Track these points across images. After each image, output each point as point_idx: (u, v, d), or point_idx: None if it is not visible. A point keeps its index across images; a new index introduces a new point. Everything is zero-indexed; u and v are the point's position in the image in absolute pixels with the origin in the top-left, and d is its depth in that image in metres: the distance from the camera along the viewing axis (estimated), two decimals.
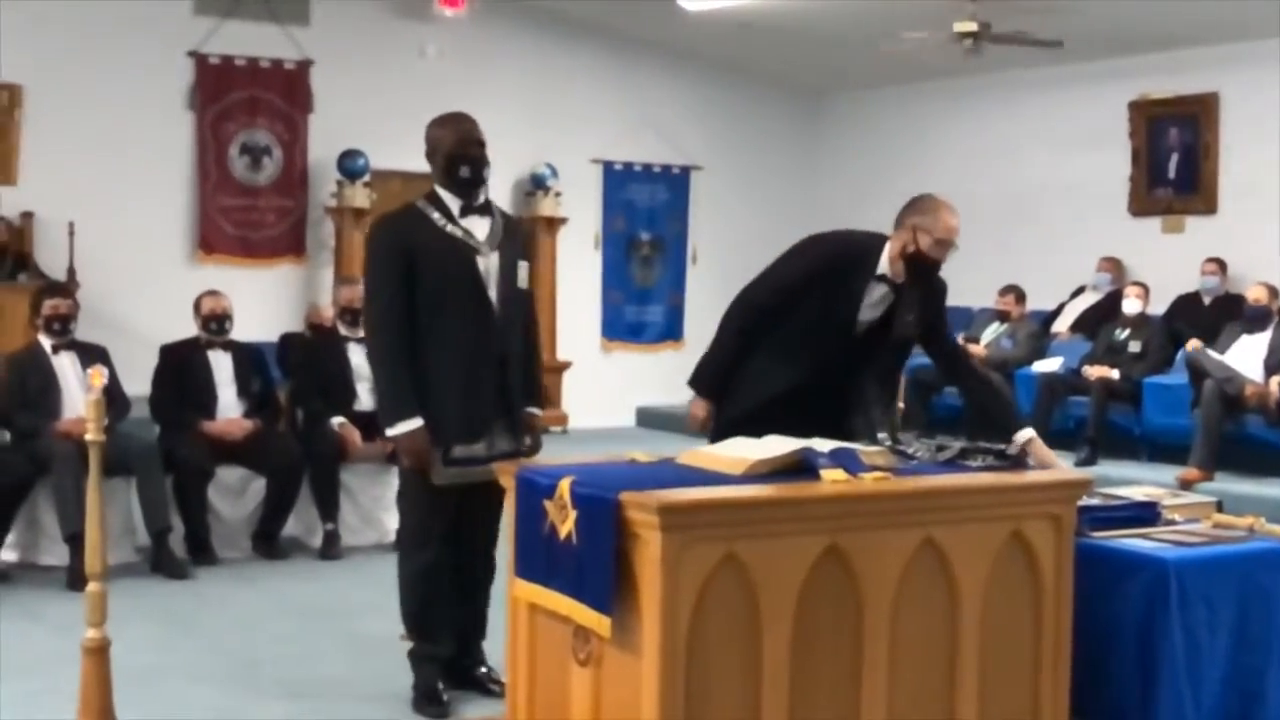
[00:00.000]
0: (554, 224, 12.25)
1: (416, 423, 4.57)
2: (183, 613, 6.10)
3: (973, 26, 10.22)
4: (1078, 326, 11.17)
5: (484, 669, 4.88)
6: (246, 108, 11.27)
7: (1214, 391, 8.94)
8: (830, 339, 4.63)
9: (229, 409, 7.30)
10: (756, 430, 4.13)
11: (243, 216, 11.30)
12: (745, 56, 13.01)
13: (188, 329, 7.64)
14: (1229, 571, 3.99)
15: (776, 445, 3.80)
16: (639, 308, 13.11)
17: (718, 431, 4.57)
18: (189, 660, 5.39)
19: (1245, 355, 9.26)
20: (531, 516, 3.68)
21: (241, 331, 7.86)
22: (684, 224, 13.25)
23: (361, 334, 7.60)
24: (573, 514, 3.50)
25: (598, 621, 3.42)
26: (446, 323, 4.62)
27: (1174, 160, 11.23)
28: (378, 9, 11.78)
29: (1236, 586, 3.99)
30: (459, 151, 4.70)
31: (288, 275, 11.50)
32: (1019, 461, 3.98)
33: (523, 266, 4.80)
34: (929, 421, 10.98)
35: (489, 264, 4.69)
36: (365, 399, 7.56)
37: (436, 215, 4.70)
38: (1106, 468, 9.38)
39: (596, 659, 3.52)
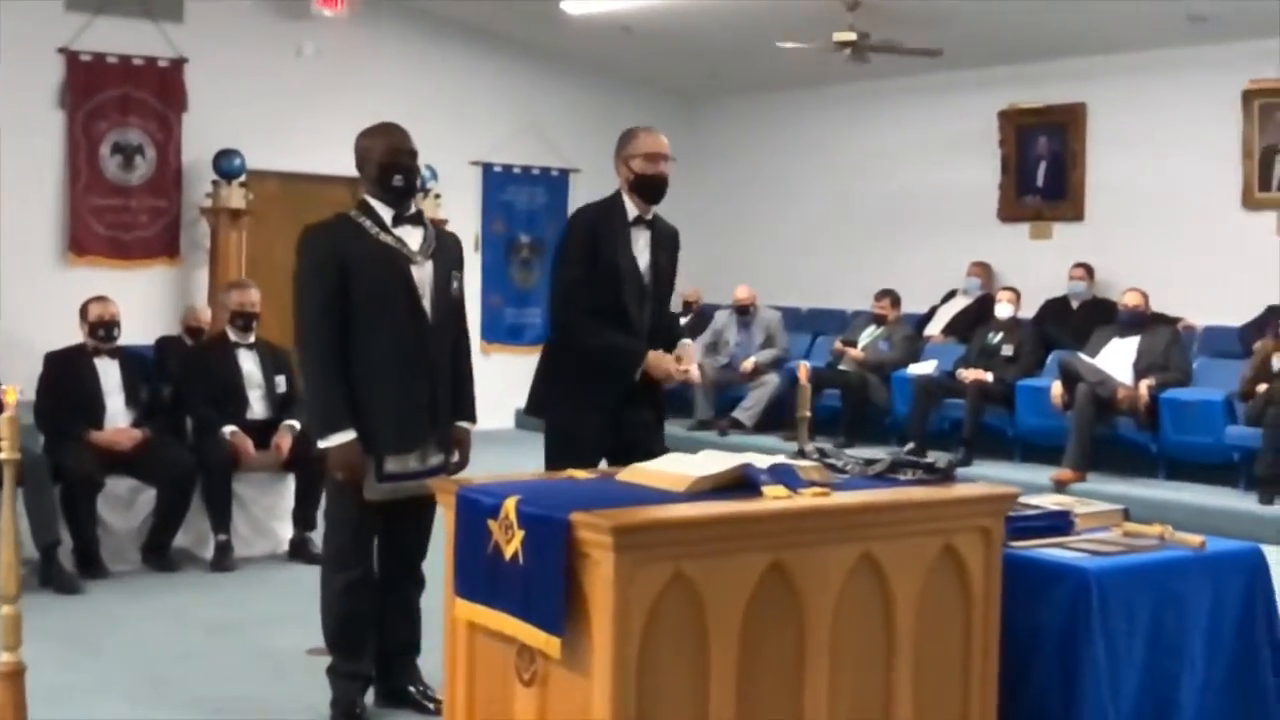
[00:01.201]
0: (435, 225, 12.16)
1: (350, 435, 4.53)
2: (80, 629, 5.95)
3: (851, 36, 10.42)
4: (950, 330, 11.44)
5: (418, 687, 4.84)
6: (119, 106, 11.03)
7: (1086, 394, 9.23)
8: (633, 299, 5.02)
9: (117, 418, 7.16)
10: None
11: (115, 217, 11.06)
12: (624, 61, 13.09)
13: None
14: (1145, 580, 4.11)
15: (716, 461, 3.85)
16: (518, 310, 13.12)
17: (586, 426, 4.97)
18: (95, 679, 5.27)
19: (1115, 358, 9.57)
20: (473, 536, 3.66)
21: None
22: (563, 226, 13.24)
23: (252, 340, 7.55)
24: (519, 534, 3.50)
25: (546, 642, 3.42)
26: (380, 333, 4.59)
27: (1042, 168, 11.56)
28: (253, 7, 11.60)
29: (1152, 594, 4.11)
30: (391, 160, 4.70)
31: (161, 277, 11.29)
32: (947, 475, 4.07)
33: (455, 278, 4.80)
34: (809, 422, 11.14)
35: (423, 274, 4.69)
36: (257, 407, 7.48)
37: (369, 224, 4.67)
38: (982, 468, 9.64)
39: (542, 679, 3.52)
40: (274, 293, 8.37)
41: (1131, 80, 10.87)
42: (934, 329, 11.57)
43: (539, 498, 3.55)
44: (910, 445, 10.15)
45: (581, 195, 13.30)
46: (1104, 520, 4.59)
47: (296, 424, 7.45)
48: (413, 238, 4.74)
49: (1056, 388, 9.51)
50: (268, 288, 10.46)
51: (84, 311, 7.28)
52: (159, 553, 7.05)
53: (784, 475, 3.75)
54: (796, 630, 3.57)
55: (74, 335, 9.90)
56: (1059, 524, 4.41)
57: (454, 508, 3.78)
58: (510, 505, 3.53)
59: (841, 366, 11.09)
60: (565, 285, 5.06)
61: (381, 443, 4.62)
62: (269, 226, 11.62)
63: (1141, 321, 9.69)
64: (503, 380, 12.70)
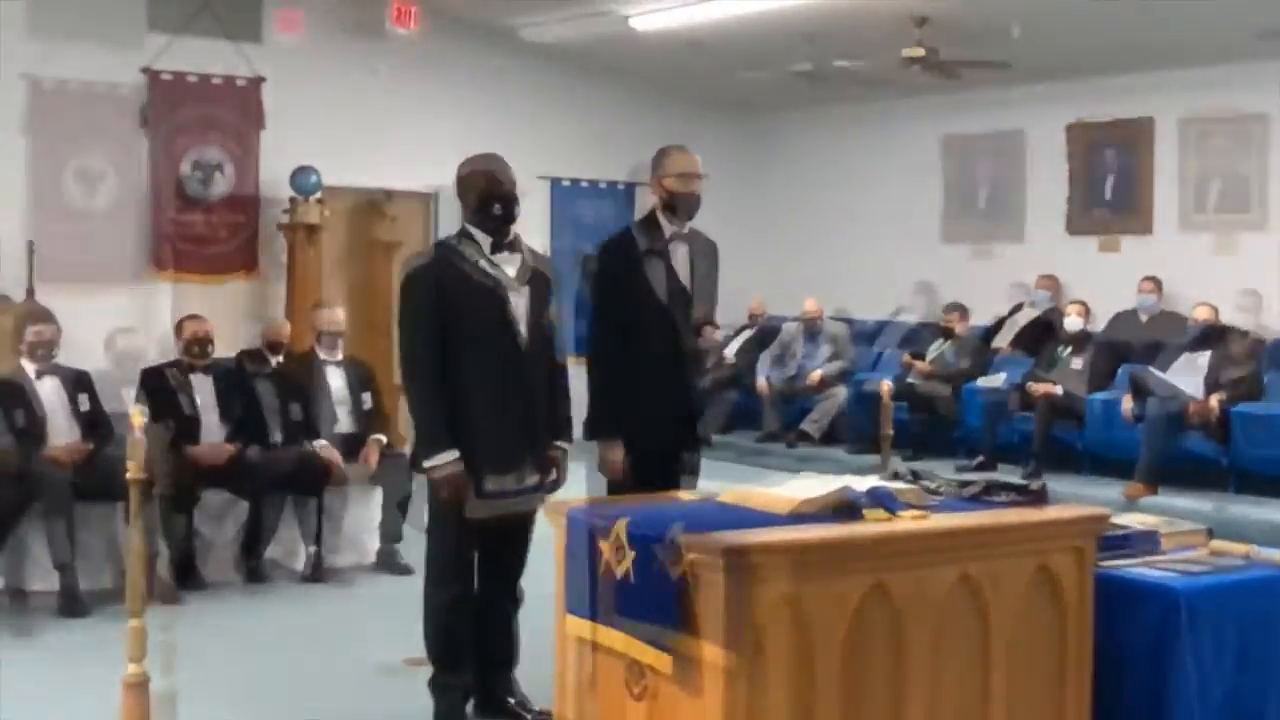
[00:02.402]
0: None
1: (453, 456, 4.70)
2: (183, 640, 6.08)
3: (920, 52, 10.51)
4: (1017, 342, 11.47)
5: (515, 698, 5.00)
6: (199, 124, 11.24)
7: (1158, 409, 9.27)
8: (680, 310, 5.17)
9: (212, 433, 7.36)
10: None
11: (195, 233, 11.29)
12: (690, 74, 13.19)
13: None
14: (1232, 599, 4.20)
15: (815, 485, 3.98)
16: (585, 321, 13.25)
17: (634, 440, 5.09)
18: (207, 690, 5.42)
19: (1186, 373, 9.60)
20: (584, 555, 3.82)
21: None
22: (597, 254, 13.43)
23: (339, 357, 7.74)
24: (630, 554, 3.65)
25: (657, 658, 3.57)
26: (479, 358, 4.76)
27: (1110, 181, 11.58)
28: (330, 27, 11.79)
29: (1239, 613, 4.21)
30: (491, 190, 4.86)
31: (239, 291, 11.45)
32: (1040, 496, 4.18)
33: (550, 303, 4.95)
34: (877, 435, 11.23)
35: (519, 300, 4.85)
36: (344, 422, 7.68)
37: (469, 252, 4.83)
38: (1051, 482, 9.55)
39: (652, 693, 3.67)
40: (348, 306, 8.61)
41: (1197, 95, 10.88)
42: (1001, 341, 11.61)
43: (649, 520, 3.70)
44: (980, 459, 10.25)
45: (648, 207, 13.50)
46: (1189, 540, 4.67)
47: (383, 438, 7.67)
48: (510, 265, 4.89)
49: (1127, 401, 9.55)
50: (343, 301, 10.72)
51: (179, 329, 7.50)
52: (252, 564, 7.25)
53: (883, 499, 3.88)
54: (897, 648, 3.70)
55: (155, 348, 10.20)
56: (1146, 544, 4.51)
57: (564, 528, 3.94)
58: (621, 527, 3.69)
59: (910, 380, 11.16)
60: (602, 319, 5.25)
61: (481, 463, 4.77)
62: (344, 242, 11.86)
63: (1212, 336, 9.71)
64: (574, 390, 12.93)
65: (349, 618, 6.60)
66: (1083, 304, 10.75)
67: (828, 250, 13.51)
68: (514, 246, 4.95)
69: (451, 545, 4.88)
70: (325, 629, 6.40)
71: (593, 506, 3.96)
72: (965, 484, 4.27)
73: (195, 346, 7.43)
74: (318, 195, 11.35)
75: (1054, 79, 11.52)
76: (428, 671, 5.09)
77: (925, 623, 3.73)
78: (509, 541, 4.95)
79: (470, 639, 4.95)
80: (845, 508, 3.83)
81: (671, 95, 13.56)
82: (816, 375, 11.67)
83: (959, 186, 12.72)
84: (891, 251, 13.01)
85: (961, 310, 11.39)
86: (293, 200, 11.36)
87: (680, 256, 5.24)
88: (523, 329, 4.86)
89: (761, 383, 11.91)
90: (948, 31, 10.48)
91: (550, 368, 5.01)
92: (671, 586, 3.51)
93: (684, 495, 4.15)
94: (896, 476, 4.39)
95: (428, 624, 4.96)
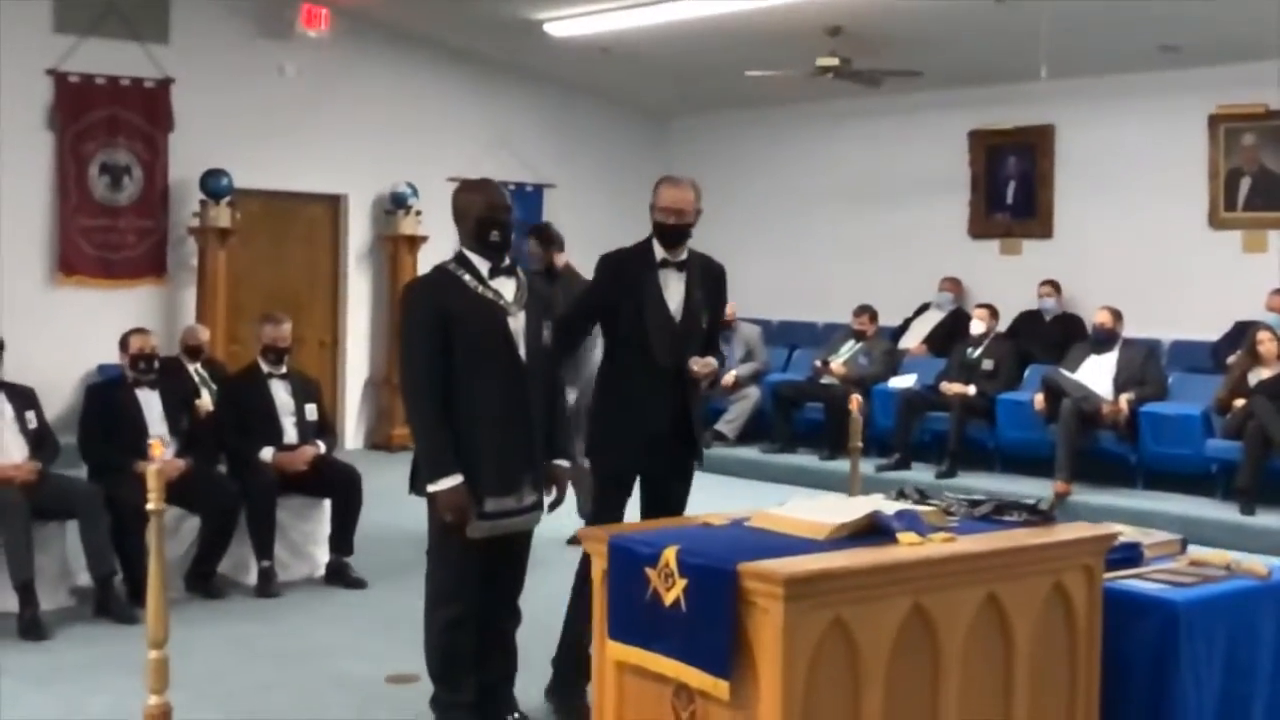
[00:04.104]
0: (415, 242, 12.33)
1: (457, 479, 4.75)
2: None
3: (834, 62, 10.73)
4: (927, 343, 11.78)
5: (514, 714, 5.07)
6: (106, 127, 11.09)
7: (1071, 409, 9.61)
8: (660, 339, 5.22)
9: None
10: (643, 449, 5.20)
11: (103, 237, 11.12)
12: (600, 80, 13.30)
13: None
14: (1222, 609, 4.44)
15: (844, 508, 4.12)
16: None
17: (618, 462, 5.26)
18: (192, 712, 5.41)
19: (1093, 374, 9.96)
20: (628, 582, 3.89)
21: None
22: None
23: (284, 370, 7.70)
24: (681, 582, 3.74)
25: (714, 685, 3.66)
26: (481, 380, 4.81)
27: (1011, 187, 11.94)
28: (238, 27, 11.69)
29: (1227, 622, 4.46)
30: (489, 215, 4.92)
31: (148, 297, 11.35)
32: (1049, 516, 4.37)
33: (546, 325, 5.03)
34: (791, 435, 11.49)
35: (517, 324, 4.91)
36: (290, 434, 7.63)
37: (468, 277, 4.89)
38: (965, 479, 9.98)
39: (701, 717, 3.78)
40: (257, 312, 8.65)
41: (1097, 103, 11.27)
42: (909, 342, 11.92)
43: (698, 547, 3.80)
44: (896, 456, 10.53)
45: (556, 210, 13.56)
46: (1165, 549, 4.93)
47: (322, 445, 7.66)
48: (507, 289, 4.96)
49: (1040, 399, 9.88)
50: (251, 307, 10.65)
51: (124, 343, 7.37)
52: (204, 580, 7.18)
53: (911, 521, 4.03)
54: (932, 668, 3.85)
55: (62, 356, 10.01)
56: (1131, 555, 4.74)
57: (605, 555, 4.02)
58: (670, 555, 3.77)
59: (823, 381, 11.40)
60: (558, 323, 5.25)
61: (483, 485, 4.83)
62: (254, 245, 11.75)
63: (1112, 339, 10.08)
64: None
65: (316, 635, 6.57)
66: (989, 307, 11.06)
67: (736, 251, 13.48)
68: (510, 270, 5.02)
69: (453, 565, 4.92)
70: (295, 647, 6.35)
71: (635, 533, 4.04)
72: (976, 503, 4.43)
73: (141, 361, 7.31)
74: (229, 198, 11.24)
75: (957, 86, 11.80)
76: (413, 688, 5.10)
77: (956, 642, 3.88)
78: (508, 560, 5.02)
79: (470, 657, 5.00)
80: (878, 531, 3.98)
81: (580, 99, 13.68)
82: (730, 377, 11.85)
83: (864, 190, 12.97)
84: (799, 252, 13.25)
85: (871, 312, 11.65)
86: (204, 203, 11.24)
87: (671, 284, 5.31)
88: (522, 351, 4.92)
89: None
90: (859, 41, 10.70)
91: (549, 387, 5.07)
92: (728, 614, 3.62)
93: (714, 519, 4.24)
94: (903, 496, 4.55)
95: (429, 643, 5.00)
